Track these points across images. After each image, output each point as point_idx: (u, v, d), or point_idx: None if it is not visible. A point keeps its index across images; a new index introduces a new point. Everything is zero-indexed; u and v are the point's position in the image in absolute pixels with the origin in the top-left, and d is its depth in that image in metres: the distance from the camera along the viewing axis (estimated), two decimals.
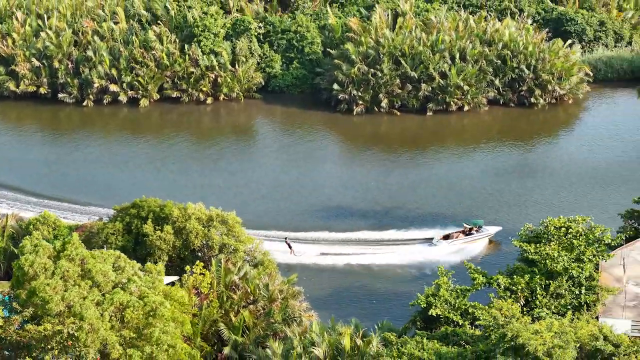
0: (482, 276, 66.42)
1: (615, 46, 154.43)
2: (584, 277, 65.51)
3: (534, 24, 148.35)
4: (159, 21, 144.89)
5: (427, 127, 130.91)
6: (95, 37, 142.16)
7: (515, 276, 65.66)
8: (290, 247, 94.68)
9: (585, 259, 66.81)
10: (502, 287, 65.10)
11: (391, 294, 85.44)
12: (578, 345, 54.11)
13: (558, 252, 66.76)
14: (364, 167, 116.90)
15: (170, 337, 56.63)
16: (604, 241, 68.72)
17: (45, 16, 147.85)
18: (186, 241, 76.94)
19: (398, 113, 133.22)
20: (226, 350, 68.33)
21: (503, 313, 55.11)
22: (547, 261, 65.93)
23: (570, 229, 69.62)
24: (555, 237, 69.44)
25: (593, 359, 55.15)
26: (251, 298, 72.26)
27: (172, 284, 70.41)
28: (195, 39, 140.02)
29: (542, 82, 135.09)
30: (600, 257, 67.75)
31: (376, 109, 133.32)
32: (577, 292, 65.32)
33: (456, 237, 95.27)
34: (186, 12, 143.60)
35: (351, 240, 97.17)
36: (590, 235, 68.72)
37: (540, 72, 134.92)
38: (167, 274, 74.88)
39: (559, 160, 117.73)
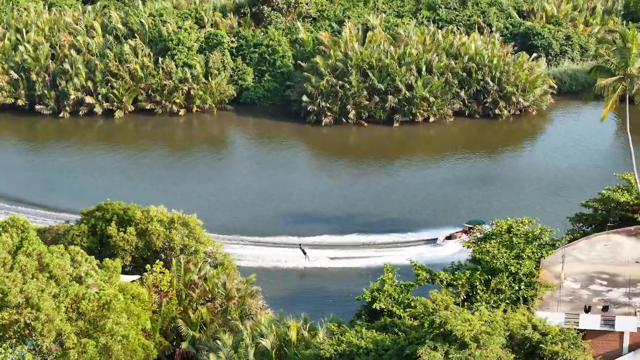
0: (426, 272, 69.69)
1: (581, 60, 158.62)
2: (522, 273, 68.71)
3: (501, 38, 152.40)
4: (135, 34, 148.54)
5: (394, 137, 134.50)
6: (72, 51, 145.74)
7: (456, 272, 68.98)
8: (304, 253, 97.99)
9: (524, 256, 70.09)
10: (445, 282, 68.35)
11: None
12: (508, 333, 57.40)
13: (498, 249, 70.11)
14: (332, 176, 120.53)
15: (123, 328, 59.66)
16: (542, 239, 72.13)
17: (24, 30, 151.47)
18: (148, 242, 79.85)
19: (365, 124, 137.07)
20: (184, 345, 71.48)
21: (437, 303, 58.35)
22: (488, 258, 69.26)
23: (512, 229, 73.10)
24: (497, 236, 72.94)
25: (522, 346, 58.53)
26: (209, 296, 75.58)
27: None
28: (170, 52, 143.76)
29: (507, 94, 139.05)
30: (538, 254, 71.07)
31: (344, 120, 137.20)
32: (516, 288, 68.43)
33: (459, 237, 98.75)
34: (161, 27, 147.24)
35: (359, 245, 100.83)
36: (530, 234, 72.18)
37: (505, 84, 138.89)
38: (131, 274, 78.18)
39: (520, 169, 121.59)
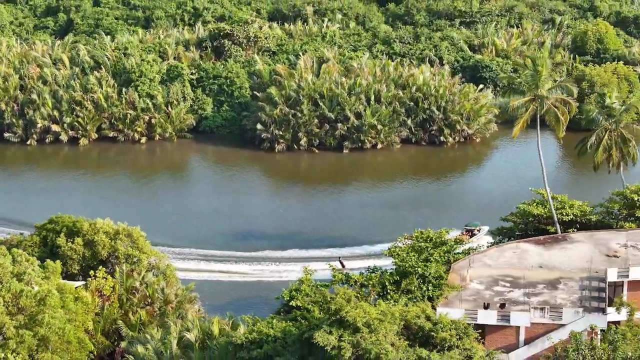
0: (341, 274, 76.37)
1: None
2: (431, 275, 75.31)
3: (450, 70, 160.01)
4: (101, 66, 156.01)
5: (344, 163, 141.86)
6: (40, 82, 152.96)
7: (368, 274, 75.70)
8: (343, 265, 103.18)
9: (432, 259, 76.88)
10: (358, 283, 74.99)
11: None
12: (403, 323, 63.91)
13: (407, 253, 76.87)
14: (283, 199, 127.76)
15: (58, 321, 65.86)
16: (449, 245, 79.10)
17: None
18: (95, 252, 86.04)
19: (316, 151, 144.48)
20: (123, 344, 77.65)
21: (339, 296, 64.91)
22: (398, 261, 76.00)
23: (422, 235, 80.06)
24: (411, 244, 79.93)
25: (417, 335, 65.04)
26: (149, 300, 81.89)
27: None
28: (133, 83, 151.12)
29: (451, 122, 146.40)
30: (445, 258, 77.87)
31: (296, 147, 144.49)
32: (425, 289, 75.08)
33: (463, 238, 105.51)
34: (124, 60, 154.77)
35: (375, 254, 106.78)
36: (437, 240, 79.13)
37: (450, 113, 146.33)
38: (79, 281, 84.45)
39: (463, 193, 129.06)
